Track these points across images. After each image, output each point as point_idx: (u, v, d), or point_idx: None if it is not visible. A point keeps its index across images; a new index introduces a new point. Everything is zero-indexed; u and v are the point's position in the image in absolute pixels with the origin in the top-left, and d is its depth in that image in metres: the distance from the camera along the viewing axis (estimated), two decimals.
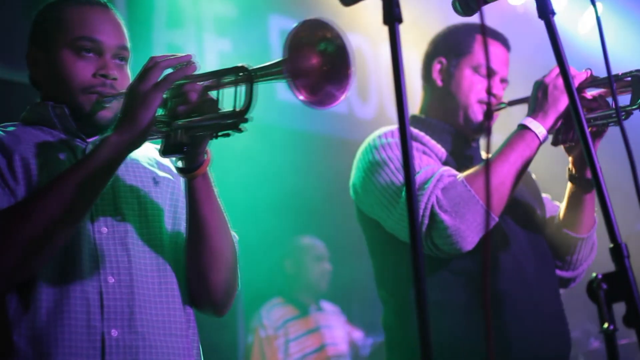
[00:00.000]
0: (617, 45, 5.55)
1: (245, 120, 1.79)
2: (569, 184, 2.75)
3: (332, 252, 5.36)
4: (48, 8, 2.16)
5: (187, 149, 1.91)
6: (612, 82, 1.82)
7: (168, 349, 2.00)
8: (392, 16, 1.49)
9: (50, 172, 1.98)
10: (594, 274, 1.52)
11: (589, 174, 2.65)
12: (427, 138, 2.75)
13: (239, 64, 1.81)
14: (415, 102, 3.00)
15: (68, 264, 1.93)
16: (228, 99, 1.84)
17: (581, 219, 2.76)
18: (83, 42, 2.06)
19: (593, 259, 2.89)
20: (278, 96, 5.32)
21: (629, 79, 2.48)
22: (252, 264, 5.23)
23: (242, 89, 1.81)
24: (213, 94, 1.89)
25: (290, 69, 1.67)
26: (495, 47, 2.85)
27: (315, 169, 5.10)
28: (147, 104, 1.84)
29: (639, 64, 2.59)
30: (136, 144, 1.88)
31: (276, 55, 5.25)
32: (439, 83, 2.88)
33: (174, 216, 2.13)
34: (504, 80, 2.87)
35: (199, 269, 2.07)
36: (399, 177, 2.56)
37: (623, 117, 2.44)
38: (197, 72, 1.90)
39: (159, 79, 1.86)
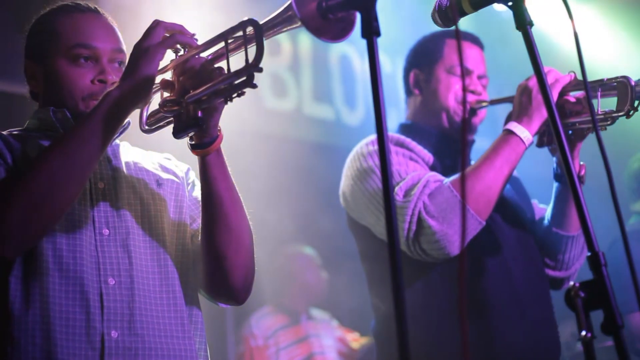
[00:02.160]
0: (610, 50, 5.60)
1: (260, 70, 1.72)
2: (555, 184, 2.77)
3: (321, 256, 5.37)
4: (40, 20, 2.15)
5: (202, 123, 1.88)
6: (588, 89, 1.84)
7: (168, 351, 1.98)
8: (370, 30, 1.51)
9: None
10: (571, 283, 1.54)
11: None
12: (413, 144, 2.78)
13: (245, 18, 1.78)
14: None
15: (69, 265, 1.93)
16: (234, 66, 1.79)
17: (569, 217, 2.78)
18: (78, 49, 2.05)
19: (585, 258, 2.90)
20: (266, 104, 5.34)
21: (615, 84, 2.49)
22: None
23: (250, 48, 1.75)
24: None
25: (302, 10, 1.64)
26: (466, 47, 2.89)
27: (303, 175, 5.12)
28: (149, 57, 1.84)
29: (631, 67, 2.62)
30: (138, 97, 1.88)
31: (263, 65, 5.29)
32: (417, 92, 2.94)
33: (179, 217, 2.11)
34: (481, 77, 2.90)
35: (216, 250, 2.02)
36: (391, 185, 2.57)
37: (609, 123, 2.47)
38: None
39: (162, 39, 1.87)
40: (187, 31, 1.92)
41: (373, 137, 2.77)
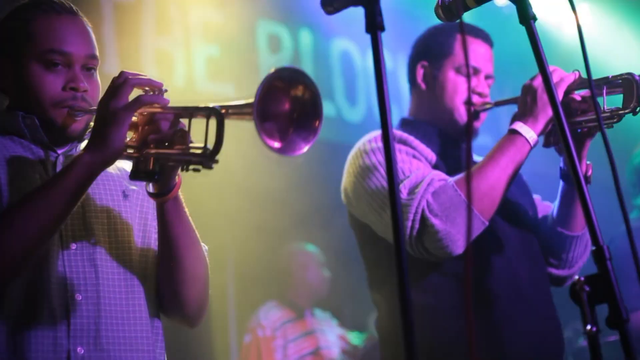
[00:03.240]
0: (615, 48, 5.60)
1: (215, 162, 1.77)
2: (562, 183, 2.76)
3: (322, 254, 5.37)
4: (15, 15, 2.10)
5: (157, 177, 1.90)
6: (592, 87, 1.84)
7: None
8: (374, 25, 1.51)
9: (19, 186, 1.97)
10: (576, 277, 1.54)
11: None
12: (416, 142, 2.76)
13: (210, 105, 1.79)
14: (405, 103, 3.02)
15: (36, 281, 1.93)
16: (199, 127, 1.83)
17: (575, 217, 2.77)
18: (52, 55, 2.02)
19: (588, 256, 2.90)
20: None
21: (620, 81, 2.49)
22: (243, 269, 5.26)
23: (212, 122, 1.77)
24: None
25: (259, 111, 1.65)
26: (477, 45, 2.85)
27: (305, 172, 5.12)
28: (117, 124, 1.83)
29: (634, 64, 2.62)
30: (107, 164, 1.89)
31: (264, 62, 5.30)
32: (424, 87, 2.89)
33: (144, 229, 2.12)
34: (488, 77, 2.88)
35: (171, 286, 2.08)
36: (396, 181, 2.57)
37: (615, 120, 2.47)
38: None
39: (129, 99, 1.86)
40: (155, 83, 1.91)
41: (375, 133, 2.76)
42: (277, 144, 1.71)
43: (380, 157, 2.65)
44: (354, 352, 5.17)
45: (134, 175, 1.91)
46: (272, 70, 1.68)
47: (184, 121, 1.88)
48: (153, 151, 1.87)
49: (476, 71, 2.84)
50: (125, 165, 2.16)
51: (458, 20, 1.75)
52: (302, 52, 5.72)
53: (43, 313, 1.92)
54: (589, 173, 2.65)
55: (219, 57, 5.08)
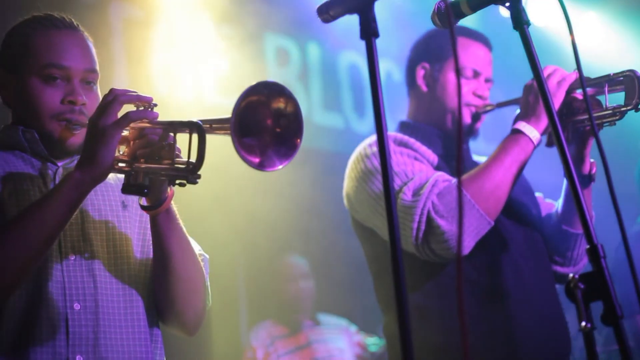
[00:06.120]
0: (622, 55, 5.61)
1: (198, 177, 1.81)
2: (566, 181, 2.77)
3: (332, 264, 5.38)
4: (16, 31, 2.15)
5: (147, 191, 1.93)
6: (584, 85, 1.87)
7: None
8: (368, 31, 1.55)
9: (18, 200, 2.01)
10: (571, 275, 1.57)
11: (585, 170, 2.69)
12: (417, 144, 2.77)
13: (193, 119, 1.83)
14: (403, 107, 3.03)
15: (35, 291, 1.96)
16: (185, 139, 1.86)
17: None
18: (51, 69, 2.06)
19: None
20: None
21: (621, 78, 2.50)
22: (255, 282, 5.28)
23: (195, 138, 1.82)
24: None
25: (237, 127, 1.69)
26: (476, 48, 2.88)
27: (313, 183, 5.15)
28: (107, 142, 1.86)
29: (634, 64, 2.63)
30: (98, 181, 1.92)
31: (272, 75, 5.34)
32: (424, 89, 2.90)
33: (143, 239, 2.16)
34: (488, 80, 2.90)
35: (167, 296, 2.11)
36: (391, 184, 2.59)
37: (617, 118, 2.49)
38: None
39: (118, 115, 1.89)
40: (144, 98, 1.93)
41: (375, 137, 2.77)
42: (255, 160, 1.74)
43: None
44: (371, 359, 5.15)
45: (125, 189, 1.93)
46: (252, 85, 1.71)
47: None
48: (143, 166, 1.91)
49: (476, 74, 2.86)
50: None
51: (459, 26, 1.78)
52: (310, 65, 5.76)
53: (42, 322, 1.95)
54: (593, 171, 2.67)
55: (227, 71, 5.13)
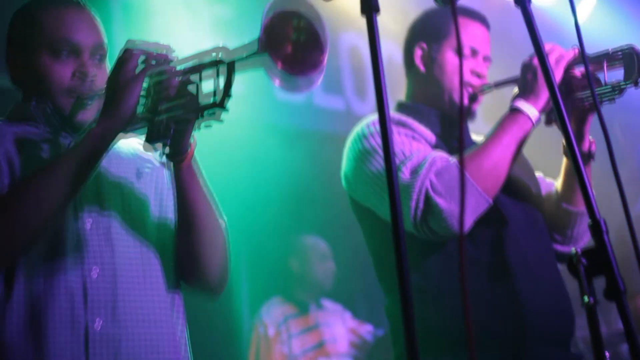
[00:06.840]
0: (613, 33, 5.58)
1: (224, 110, 1.84)
2: (565, 159, 2.77)
3: (333, 247, 5.39)
4: (24, 10, 2.19)
5: (171, 139, 1.96)
6: (586, 61, 1.86)
7: (151, 340, 2.05)
8: (369, 6, 1.54)
9: (35, 165, 2.03)
10: (573, 250, 1.57)
11: (584, 148, 2.69)
12: (415, 124, 2.75)
13: (217, 58, 1.86)
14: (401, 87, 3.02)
15: (52, 256, 1.98)
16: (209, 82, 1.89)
17: (579, 192, 2.77)
18: (60, 44, 2.10)
19: None
20: (277, 95, 5.37)
21: (620, 54, 2.49)
22: (256, 262, 5.29)
23: (222, 74, 1.85)
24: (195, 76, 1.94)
25: (266, 44, 1.73)
26: (474, 27, 2.86)
27: (315, 166, 5.15)
28: (129, 92, 1.90)
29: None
30: (119, 129, 1.94)
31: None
32: (422, 69, 2.88)
33: (160, 204, 2.19)
34: (486, 59, 2.87)
35: (192, 252, 2.13)
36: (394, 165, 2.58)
37: (617, 94, 2.48)
38: (176, 62, 1.95)
39: (137, 70, 1.91)
40: (161, 46, 1.97)
41: (373, 117, 2.75)
42: (292, 70, 1.80)
43: (379, 140, 2.64)
44: (364, 345, 5.17)
45: (149, 138, 1.95)
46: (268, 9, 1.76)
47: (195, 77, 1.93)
48: (165, 114, 1.92)
49: (474, 52, 2.84)
50: (138, 147, 2.22)
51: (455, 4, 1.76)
52: None
53: (60, 287, 1.97)
54: (593, 148, 2.66)
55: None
